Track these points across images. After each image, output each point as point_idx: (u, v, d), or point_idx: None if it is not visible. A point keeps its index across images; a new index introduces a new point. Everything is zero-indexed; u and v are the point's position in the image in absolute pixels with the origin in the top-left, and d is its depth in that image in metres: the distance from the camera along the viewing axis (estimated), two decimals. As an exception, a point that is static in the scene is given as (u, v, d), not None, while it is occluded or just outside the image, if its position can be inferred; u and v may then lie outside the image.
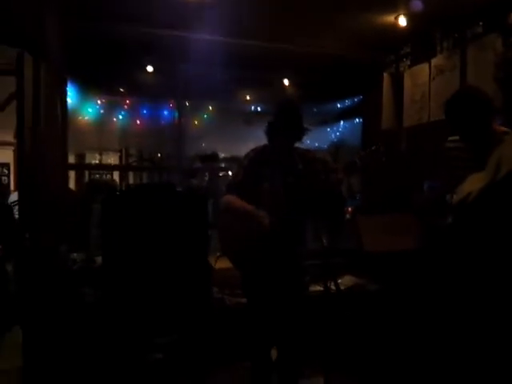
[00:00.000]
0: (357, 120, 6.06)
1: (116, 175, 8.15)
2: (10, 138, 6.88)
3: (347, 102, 6.05)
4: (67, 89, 4.23)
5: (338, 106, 6.15)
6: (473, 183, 1.56)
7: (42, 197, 3.24)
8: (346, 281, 3.85)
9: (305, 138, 2.86)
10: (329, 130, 6.71)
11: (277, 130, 2.80)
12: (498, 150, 1.51)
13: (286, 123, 2.75)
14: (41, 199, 3.21)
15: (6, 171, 9.10)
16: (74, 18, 3.78)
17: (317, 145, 6.07)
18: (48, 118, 3.24)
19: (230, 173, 6.02)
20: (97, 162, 7.05)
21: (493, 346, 1.57)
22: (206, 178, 5.69)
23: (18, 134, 3.46)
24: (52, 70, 3.19)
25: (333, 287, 3.44)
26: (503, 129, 2.65)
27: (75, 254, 4.03)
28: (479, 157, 2.58)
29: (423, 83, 4.46)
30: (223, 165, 6.39)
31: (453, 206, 1.71)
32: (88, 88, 5.12)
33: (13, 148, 7.91)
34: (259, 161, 2.84)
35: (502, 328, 1.52)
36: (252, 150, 2.96)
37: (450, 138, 2.79)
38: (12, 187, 8.17)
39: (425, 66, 4.47)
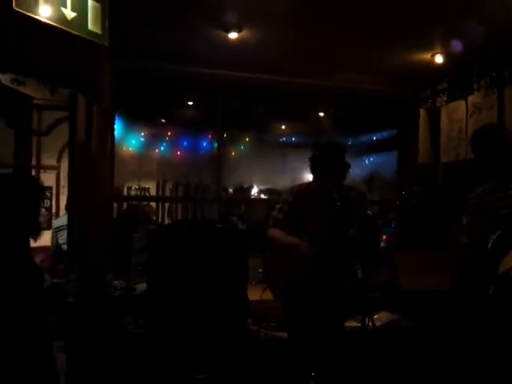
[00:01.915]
0: (391, 152, 6.09)
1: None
2: (53, 161, 7.16)
3: (382, 135, 6.10)
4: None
5: (373, 138, 6.19)
6: None
7: (90, 225, 3.41)
8: (381, 317, 3.84)
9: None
10: (363, 160, 6.75)
11: (322, 169, 2.90)
12: None
13: (332, 165, 2.86)
14: (90, 228, 3.38)
15: (49, 194, 9.46)
16: (122, 59, 4.00)
17: (350, 171, 6.10)
18: (98, 153, 3.43)
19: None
20: (136, 187, 7.27)
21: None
22: (243, 207, 5.84)
23: (70, 166, 3.68)
24: (103, 109, 3.38)
25: (368, 323, 3.46)
26: None
27: (116, 282, 4.17)
28: (498, 192, 2.62)
29: (460, 120, 4.47)
30: (255, 194, 6.52)
31: (496, 277, 1.76)
32: (132, 121, 5.35)
33: (55, 172, 8.22)
34: (302, 197, 2.95)
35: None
36: (297, 186, 3.09)
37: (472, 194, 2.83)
38: (53, 210, 8.46)
39: (462, 103, 4.49)
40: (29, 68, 2.84)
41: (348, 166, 2.93)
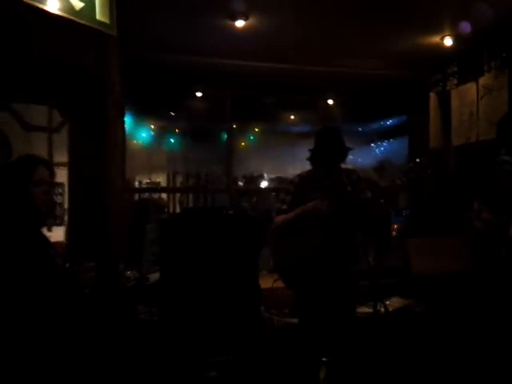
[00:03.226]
0: (402, 138, 6.05)
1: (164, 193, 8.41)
2: (65, 158, 7.23)
3: (392, 122, 6.05)
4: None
5: (383, 125, 6.15)
6: None
7: (105, 216, 3.44)
8: (394, 302, 3.84)
9: (349, 156, 2.93)
10: (374, 147, 6.71)
11: (320, 156, 2.88)
12: None
13: (327, 149, 2.84)
14: (105, 219, 3.41)
15: (61, 190, 9.53)
16: (129, 51, 4.01)
17: (360, 160, 6.06)
18: (111, 146, 3.45)
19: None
20: (147, 181, 7.33)
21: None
22: (254, 199, 5.86)
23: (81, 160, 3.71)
24: (114, 103, 3.39)
25: (382, 309, 3.46)
26: None
27: (129, 272, 4.21)
28: None
29: (471, 102, 4.43)
30: (265, 183, 6.52)
31: (507, 239, 1.74)
32: (141, 114, 5.38)
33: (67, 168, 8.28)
34: (305, 185, 2.94)
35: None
36: (297, 176, 3.07)
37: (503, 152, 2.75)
38: (66, 206, 8.53)
39: (472, 86, 4.44)
40: (37, 60, 2.86)
41: (347, 149, 2.90)
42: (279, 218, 2.92)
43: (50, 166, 2.14)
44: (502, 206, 2.55)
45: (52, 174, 2.16)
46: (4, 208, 1.97)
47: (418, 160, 2.75)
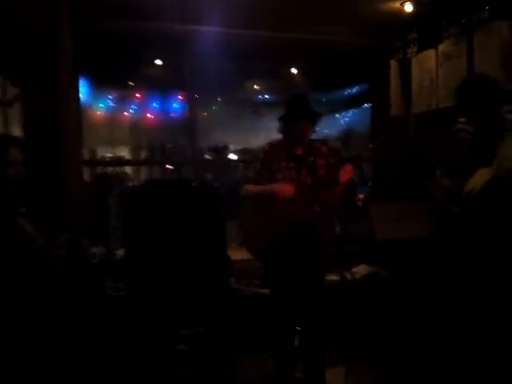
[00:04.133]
0: (366, 106, 6.08)
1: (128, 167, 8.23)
2: (18, 132, 6.94)
3: (356, 90, 6.06)
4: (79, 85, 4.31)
5: (347, 93, 6.15)
6: (478, 178, 1.65)
7: (63, 191, 3.35)
8: (361, 269, 3.92)
9: (319, 123, 2.93)
10: (338, 117, 6.73)
11: (290, 123, 2.87)
12: (504, 147, 1.59)
13: (297, 114, 2.82)
14: (62, 194, 3.32)
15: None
16: (84, 18, 3.82)
17: (327, 131, 6.07)
18: (64, 115, 3.33)
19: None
20: (110, 155, 7.13)
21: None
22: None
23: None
24: (66, 70, 3.26)
25: (348, 276, 3.53)
26: None
27: (94, 248, 4.13)
28: (487, 142, 2.63)
29: (431, 69, 4.48)
30: (234, 156, 6.46)
31: (460, 199, 1.80)
32: (99, 83, 5.18)
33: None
34: (275, 154, 2.93)
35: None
36: (267, 144, 3.06)
37: (461, 120, 2.80)
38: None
39: (432, 53, 4.48)
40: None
41: (317, 116, 2.89)
42: (247, 187, 2.95)
43: (22, 145, 2.07)
44: (460, 172, 2.61)
45: (23, 154, 2.08)
46: None
47: (382, 139, 2.79)
